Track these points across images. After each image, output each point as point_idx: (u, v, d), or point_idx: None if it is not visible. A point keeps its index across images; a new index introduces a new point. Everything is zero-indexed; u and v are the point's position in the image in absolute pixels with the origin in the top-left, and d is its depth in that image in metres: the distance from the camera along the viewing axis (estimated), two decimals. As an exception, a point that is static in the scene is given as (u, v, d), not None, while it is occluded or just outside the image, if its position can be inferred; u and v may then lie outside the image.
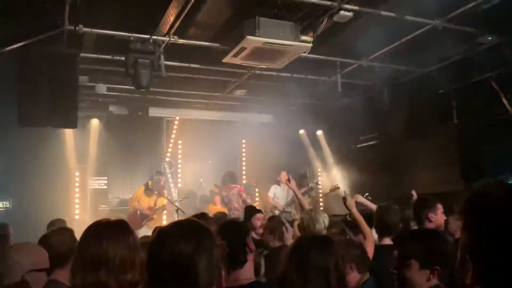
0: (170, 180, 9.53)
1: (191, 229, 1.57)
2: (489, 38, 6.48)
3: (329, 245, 2.05)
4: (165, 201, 8.22)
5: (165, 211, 8.53)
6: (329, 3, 5.31)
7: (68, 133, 8.54)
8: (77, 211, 8.81)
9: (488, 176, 8.23)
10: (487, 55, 6.91)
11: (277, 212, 8.81)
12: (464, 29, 6.18)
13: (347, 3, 5.35)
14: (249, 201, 8.68)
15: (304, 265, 1.91)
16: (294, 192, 5.50)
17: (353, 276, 2.98)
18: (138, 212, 7.98)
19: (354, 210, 4.03)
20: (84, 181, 8.99)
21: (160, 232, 1.58)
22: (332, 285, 1.89)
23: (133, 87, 6.80)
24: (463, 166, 8.20)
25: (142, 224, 7.94)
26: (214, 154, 9.80)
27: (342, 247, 2.72)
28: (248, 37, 5.54)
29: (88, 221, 8.41)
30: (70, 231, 2.86)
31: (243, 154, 10.80)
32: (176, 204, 8.02)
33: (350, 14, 5.47)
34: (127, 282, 1.80)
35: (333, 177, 10.52)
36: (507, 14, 5.90)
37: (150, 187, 8.14)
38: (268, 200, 9.10)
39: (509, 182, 8.00)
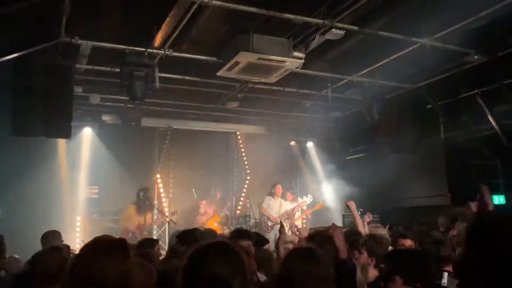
0: (161, 191, 9.57)
1: (227, 252, 1.59)
2: (476, 57, 6.67)
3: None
4: (154, 217, 8.30)
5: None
6: (320, 21, 5.46)
7: (61, 142, 8.56)
8: (68, 220, 8.80)
9: (473, 190, 8.43)
10: (473, 73, 7.12)
11: (270, 224, 8.92)
12: (451, 48, 6.37)
13: (338, 22, 5.49)
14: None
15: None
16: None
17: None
18: (130, 234, 8.00)
19: None
20: (76, 190, 8.99)
21: (195, 254, 1.59)
22: None
23: (126, 97, 6.87)
24: (450, 180, 8.37)
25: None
26: (206, 165, 9.86)
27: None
28: (242, 52, 5.67)
29: (75, 229, 8.51)
30: (62, 250, 2.88)
31: (235, 165, 10.88)
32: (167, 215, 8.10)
33: (341, 32, 5.63)
34: None
35: (323, 188, 10.65)
36: (493, 35, 6.12)
37: (140, 204, 8.23)
38: (260, 211, 9.19)
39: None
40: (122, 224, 8.34)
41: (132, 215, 8.30)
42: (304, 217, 9.90)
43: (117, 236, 2.79)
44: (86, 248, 1.96)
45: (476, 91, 7.66)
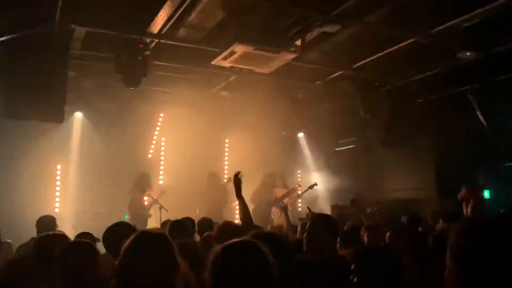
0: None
1: (256, 249, 1.63)
2: (468, 54, 6.77)
3: None
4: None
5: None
6: (318, 14, 5.48)
7: (52, 126, 8.48)
8: (57, 205, 8.79)
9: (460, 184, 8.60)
10: (465, 69, 7.22)
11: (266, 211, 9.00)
12: (445, 44, 6.45)
13: (335, 15, 5.52)
14: None
15: None
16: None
17: None
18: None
19: None
20: (66, 175, 8.96)
21: (226, 250, 1.62)
22: None
23: (119, 83, 6.84)
24: (437, 175, 8.53)
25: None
26: (197, 152, 9.86)
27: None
28: (239, 42, 5.67)
29: (68, 215, 8.50)
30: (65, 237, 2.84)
31: (226, 154, 10.92)
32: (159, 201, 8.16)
33: (338, 25, 5.66)
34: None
35: (312, 179, 10.75)
36: (486, 32, 6.21)
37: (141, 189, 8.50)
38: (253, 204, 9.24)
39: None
40: (135, 211, 8.45)
41: (138, 199, 8.51)
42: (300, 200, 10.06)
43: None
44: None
45: (466, 87, 7.78)
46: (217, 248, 1.67)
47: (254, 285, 1.54)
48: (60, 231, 3.92)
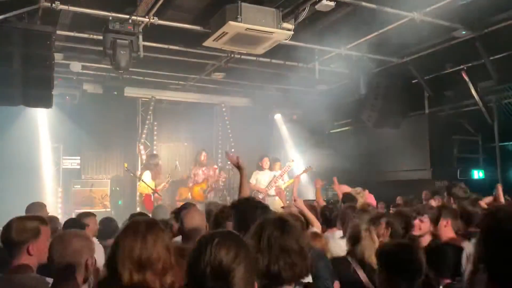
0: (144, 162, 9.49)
1: (231, 239, 1.59)
2: (463, 32, 6.67)
3: None
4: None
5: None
6: (311, -9, 5.33)
7: (40, 111, 8.33)
8: (48, 191, 8.68)
9: (454, 165, 8.61)
10: (459, 48, 7.14)
11: (261, 196, 8.90)
12: (440, 23, 6.34)
13: (329, -7, 5.38)
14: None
15: None
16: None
17: None
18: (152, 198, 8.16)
19: None
20: (56, 161, 8.83)
21: (202, 240, 1.59)
22: None
23: (108, 66, 6.69)
24: (432, 155, 8.51)
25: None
26: (190, 137, 9.76)
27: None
28: (230, 22, 5.51)
29: (58, 201, 8.41)
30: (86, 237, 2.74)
31: (219, 137, 10.81)
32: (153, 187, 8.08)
33: (332, 3, 5.51)
34: (168, 284, 1.87)
35: (307, 161, 10.69)
36: (481, 11, 6.11)
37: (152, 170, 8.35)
38: (250, 187, 9.14)
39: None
40: (144, 191, 8.35)
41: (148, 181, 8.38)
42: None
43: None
44: (130, 230, 1.95)
45: (461, 66, 7.71)
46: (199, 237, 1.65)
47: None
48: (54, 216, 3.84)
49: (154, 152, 9.65)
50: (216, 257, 1.50)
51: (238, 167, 3.80)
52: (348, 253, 3.11)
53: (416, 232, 3.37)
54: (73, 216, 7.24)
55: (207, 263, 1.50)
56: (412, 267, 2.27)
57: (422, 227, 3.40)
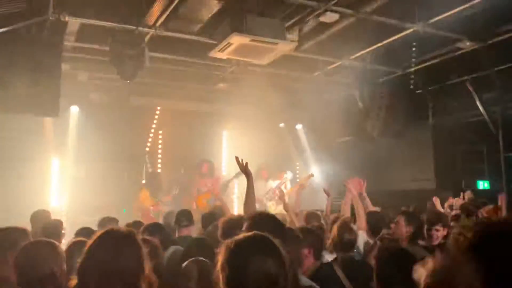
0: (150, 171, 9.52)
1: (270, 244, 1.59)
2: (467, 43, 6.70)
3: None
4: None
5: None
6: (316, 3, 5.39)
7: (46, 120, 8.39)
8: (53, 199, 8.72)
9: (459, 175, 8.59)
10: (464, 59, 7.16)
11: (257, 206, 8.89)
12: (444, 34, 6.37)
13: (334, 5, 5.44)
14: None
15: None
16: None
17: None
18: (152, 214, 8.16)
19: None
20: (62, 170, 8.87)
21: (240, 244, 1.57)
22: None
23: (114, 76, 6.75)
24: (437, 165, 8.50)
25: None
26: (195, 145, 9.78)
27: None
28: (235, 33, 5.58)
29: (65, 209, 8.44)
30: (23, 231, 2.70)
31: (224, 146, 10.86)
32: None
33: (336, 15, 5.57)
34: None
35: (311, 170, 10.69)
36: (486, 21, 6.14)
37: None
38: None
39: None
40: (141, 205, 8.39)
41: (147, 198, 8.42)
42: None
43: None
44: (102, 240, 1.90)
45: (466, 77, 7.72)
46: (227, 243, 1.61)
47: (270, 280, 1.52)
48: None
49: (159, 165, 9.77)
50: (264, 268, 1.50)
51: (246, 173, 3.83)
52: None
53: None
54: (77, 224, 7.32)
55: (256, 273, 1.49)
56: None
57: None
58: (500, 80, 7.32)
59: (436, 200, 6.13)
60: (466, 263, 1.07)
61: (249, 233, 1.69)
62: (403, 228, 3.98)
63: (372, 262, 3.16)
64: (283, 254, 1.57)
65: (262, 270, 1.49)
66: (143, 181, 8.73)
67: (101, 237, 1.90)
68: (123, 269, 1.80)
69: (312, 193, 9.63)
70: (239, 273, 1.51)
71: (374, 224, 4.35)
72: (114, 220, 4.54)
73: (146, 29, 6.16)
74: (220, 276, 1.54)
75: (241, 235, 1.67)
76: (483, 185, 8.63)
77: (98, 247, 1.86)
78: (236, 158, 3.97)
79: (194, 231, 4.73)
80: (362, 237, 4.16)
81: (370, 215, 4.46)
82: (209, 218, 4.72)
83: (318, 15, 5.60)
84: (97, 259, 1.81)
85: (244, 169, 3.86)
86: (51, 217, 4.50)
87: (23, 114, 6.43)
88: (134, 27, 6.09)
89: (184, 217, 4.62)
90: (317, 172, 9.94)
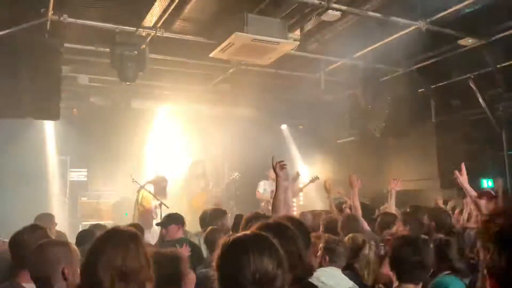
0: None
1: (268, 243, 1.58)
2: (470, 40, 6.65)
3: None
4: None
5: None
6: (317, 2, 5.35)
7: (47, 124, 8.37)
8: (55, 203, 8.68)
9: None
10: (466, 56, 7.11)
11: (270, 207, 8.83)
12: (446, 31, 6.32)
13: (335, 3, 5.40)
14: None
15: None
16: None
17: None
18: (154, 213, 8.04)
19: None
20: (63, 173, 8.84)
21: (237, 242, 1.57)
22: None
23: (115, 78, 6.72)
24: (440, 164, 8.43)
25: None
26: (197, 147, 9.75)
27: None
28: (237, 33, 5.54)
29: (65, 213, 8.40)
30: (44, 230, 2.76)
31: (226, 148, 10.78)
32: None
33: (338, 13, 5.53)
34: None
35: (313, 171, 10.64)
36: (488, 18, 6.09)
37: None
38: (257, 196, 9.12)
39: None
40: (144, 205, 8.25)
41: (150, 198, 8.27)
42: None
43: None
44: (110, 239, 1.92)
45: (468, 75, 7.66)
46: (225, 240, 1.61)
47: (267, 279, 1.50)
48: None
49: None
50: (261, 266, 1.49)
51: (276, 174, 3.75)
52: None
53: None
54: (80, 228, 7.29)
55: (253, 272, 1.48)
56: None
57: None
58: (503, 77, 7.27)
59: (439, 200, 6.11)
60: None
61: (248, 232, 1.70)
62: (401, 229, 4.27)
63: None
64: (280, 253, 1.56)
65: (257, 268, 1.48)
66: (144, 183, 8.64)
67: (107, 236, 1.93)
68: (137, 269, 1.84)
69: (315, 193, 9.62)
70: (234, 270, 1.50)
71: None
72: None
73: (146, 30, 6.12)
74: (216, 274, 1.55)
75: (240, 233, 1.68)
76: (487, 183, 8.55)
77: (108, 246, 1.87)
78: (273, 157, 3.86)
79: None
80: None
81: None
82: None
83: (320, 14, 5.55)
84: (109, 259, 1.83)
85: (275, 169, 3.79)
86: (55, 220, 4.46)
87: (23, 118, 6.38)
88: (134, 29, 6.06)
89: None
90: (319, 172, 9.88)
